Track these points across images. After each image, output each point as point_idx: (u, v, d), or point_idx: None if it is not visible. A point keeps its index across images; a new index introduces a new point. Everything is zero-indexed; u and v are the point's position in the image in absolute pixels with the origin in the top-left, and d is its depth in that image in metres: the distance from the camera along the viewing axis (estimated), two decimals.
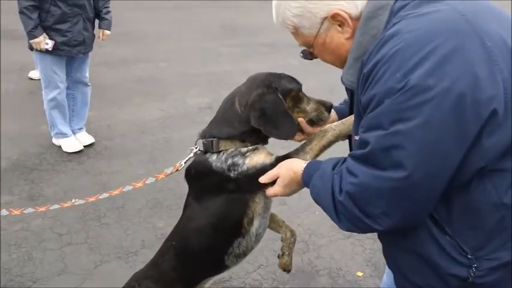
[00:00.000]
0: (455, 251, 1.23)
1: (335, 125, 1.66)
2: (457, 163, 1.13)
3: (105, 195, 1.96)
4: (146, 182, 1.95)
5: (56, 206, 2.00)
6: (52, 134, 4.74)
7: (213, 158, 1.69)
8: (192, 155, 1.78)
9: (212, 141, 1.70)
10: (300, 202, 3.79)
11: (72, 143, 4.67)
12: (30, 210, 1.94)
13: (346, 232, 3.51)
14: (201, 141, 1.75)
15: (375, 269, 3.17)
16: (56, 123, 4.63)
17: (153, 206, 3.83)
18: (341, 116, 1.82)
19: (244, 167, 1.64)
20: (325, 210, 1.35)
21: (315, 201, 1.40)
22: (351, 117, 1.56)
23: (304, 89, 1.77)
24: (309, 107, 1.75)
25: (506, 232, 1.22)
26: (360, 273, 3.17)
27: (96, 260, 3.19)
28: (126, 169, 4.41)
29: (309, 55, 1.53)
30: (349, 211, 1.24)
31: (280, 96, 1.67)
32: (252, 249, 1.82)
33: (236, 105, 1.70)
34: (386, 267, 1.90)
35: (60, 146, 4.70)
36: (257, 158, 1.66)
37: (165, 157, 4.52)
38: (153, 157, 4.60)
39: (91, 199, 2.04)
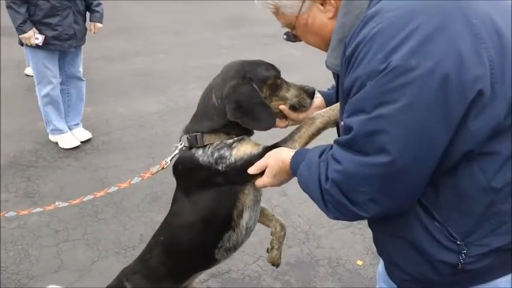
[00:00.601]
0: (444, 237, 1.21)
1: (324, 112, 1.62)
2: (443, 147, 1.09)
3: (114, 188, 1.93)
4: (132, 182, 1.90)
5: (65, 204, 1.97)
6: (48, 131, 4.71)
7: (199, 152, 1.66)
8: (177, 151, 1.74)
9: (196, 135, 1.66)
10: (300, 193, 3.66)
11: (68, 139, 4.63)
12: (38, 209, 1.93)
13: (346, 222, 3.51)
14: (185, 137, 1.71)
15: (374, 257, 3.12)
16: (51, 120, 4.59)
17: (151, 200, 3.79)
18: (329, 102, 1.76)
19: (232, 159, 1.61)
20: (313, 199, 1.32)
21: (303, 190, 1.37)
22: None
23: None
24: (289, 94, 1.70)
25: (495, 217, 1.18)
26: (360, 262, 3.13)
27: (94, 256, 3.16)
28: (124, 164, 4.37)
29: (291, 37, 1.48)
30: (335, 199, 1.21)
31: (256, 86, 1.62)
32: (243, 242, 1.80)
33: (213, 98, 1.67)
34: None
35: (56, 143, 4.67)
36: (244, 148, 1.63)
37: (164, 151, 4.42)
38: (152, 151, 4.56)
39: (99, 194, 2.00)
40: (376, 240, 1.43)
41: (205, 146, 1.65)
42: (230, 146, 1.63)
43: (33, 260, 3.12)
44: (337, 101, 1.67)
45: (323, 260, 3.16)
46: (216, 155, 1.63)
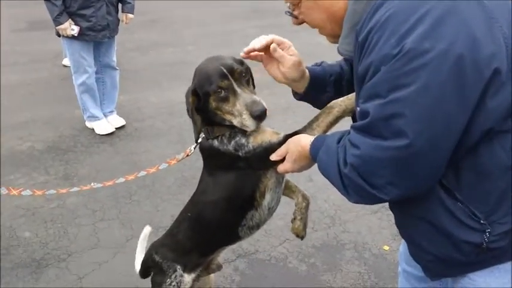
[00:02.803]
0: (467, 217, 1.21)
1: (340, 100, 1.61)
2: (461, 127, 1.10)
3: (143, 173, 2.04)
4: (159, 168, 2.01)
5: (99, 185, 2.11)
6: (85, 118, 4.92)
7: (215, 143, 1.70)
8: (200, 140, 1.79)
9: (207, 128, 1.72)
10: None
11: (104, 126, 4.83)
12: (75, 189, 2.09)
13: (373, 207, 3.53)
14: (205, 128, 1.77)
15: (401, 243, 3.15)
16: (88, 107, 4.79)
17: (181, 183, 3.92)
18: (313, 77, 1.68)
19: (250, 146, 1.65)
20: (333, 183, 1.33)
21: (323, 175, 1.39)
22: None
23: None
24: (235, 109, 1.60)
25: None
26: (386, 247, 3.15)
27: (128, 235, 3.31)
28: (155, 149, 4.53)
29: (292, 16, 1.45)
30: (355, 183, 1.22)
31: (190, 97, 1.65)
32: (266, 221, 1.85)
33: None
34: None
35: (93, 129, 4.87)
36: (261, 136, 1.66)
37: (192, 137, 4.53)
38: (181, 138, 4.70)
39: (130, 177, 2.12)
40: (399, 223, 1.44)
41: (218, 136, 1.69)
42: (245, 134, 1.65)
43: (71, 238, 3.29)
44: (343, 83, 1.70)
45: (349, 244, 3.20)
46: (232, 143, 1.66)
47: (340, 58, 1.73)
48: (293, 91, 1.75)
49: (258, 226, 1.84)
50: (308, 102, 1.77)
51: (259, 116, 1.56)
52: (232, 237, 1.88)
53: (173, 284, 1.93)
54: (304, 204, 1.89)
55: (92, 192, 3.77)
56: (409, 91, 1.06)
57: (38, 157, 4.41)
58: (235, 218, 1.80)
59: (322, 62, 1.76)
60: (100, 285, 2.86)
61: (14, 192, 1.97)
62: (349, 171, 1.22)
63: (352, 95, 1.58)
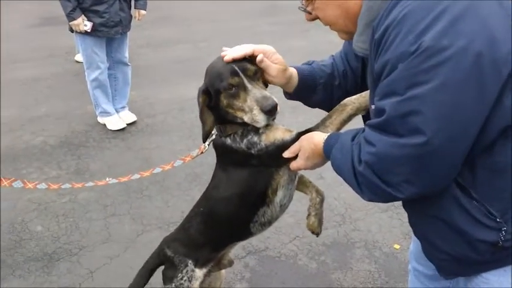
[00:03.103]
0: (482, 215, 1.21)
1: (354, 98, 1.61)
2: (478, 126, 1.09)
3: (159, 169, 2.04)
4: (174, 165, 2.01)
5: (114, 181, 2.12)
6: (97, 113, 4.95)
7: (228, 141, 1.70)
8: (213, 137, 1.80)
9: (220, 126, 1.72)
10: (337, 176, 3.67)
11: (115, 121, 4.86)
12: (90, 183, 2.09)
13: (384, 205, 3.51)
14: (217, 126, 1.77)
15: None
16: (100, 103, 4.82)
17: (191, 179, 3.93)
18: (301, 79, 1.69)
19: (263, 144, 1.64)
20: (346, 181, 1.33)
21: (337, 173, 1.38)
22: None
23: None
24: (246, 105, 1.59)
25: None
26: (397, 246, 3.13)
27: (139, 230, 3.33)
28: (167, 145, 4.55)
29: (305, 11, 1.45)
30: (369, 181, 1.21)
31: (201, 97, 1.65)
32: (277, 218, 1.85)
33: None
34: (412, 235, 1.88)
35: (104, 124, 4.90)
36: (273, 134, 1.65)
37: None
38: (193, 133, 4.71)
39: (145, 173, 2.13)
40: (413, 222, 1.43)
41: (229, 134, 1.69)
42: (257, 132, 1.65)
43: (83, 232, 3.32)
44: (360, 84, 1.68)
45: (359, 242, 3.19)
46: (245, 141, 1.66)
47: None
48: (284, 90, 1.75)
49: (269, 223, 1.84)
50: (299, 101, 1.78)
51: (270, 111, 1.55)
52: (244, 233, 1.89)
53: (184, 278, 1.93)
54: (318, 199, 1.88)
55: (103, 188, 3.80)
56: (427, 88, 1.06)
57: (50, 152, 4.45)
58: (248, 214, 1.80)
59: (313, 62, 1.76)
60: (111, 280, 2.88)
61: (30, 185, 1.97)
62: (364, 169, 1.22)
63: (366, 93, 1.57)
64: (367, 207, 3.52)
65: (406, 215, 1.47)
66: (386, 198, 1.23)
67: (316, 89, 1.71)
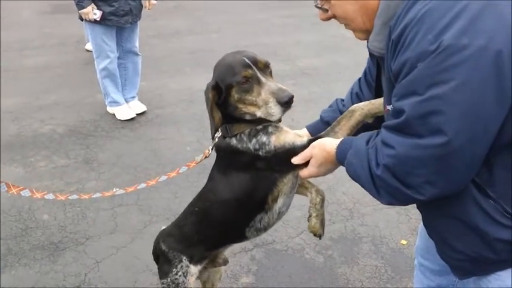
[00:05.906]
0: (500, 214, 1.20)
1: (363, 105, 1.59)
2: (498, 125, 1.08)
3: (164, 177, 2.02)
4: (179, 171, 1.99)
5: (143, 185, 2.07)
6: (106, 103, 4.94)
7: (233, 141, 1.65)
8: (216, 140, 1.74)
9: (226, 126, 1.68)
10: (345, 171, 3.74)
11: (125, 111, 4.85)
12: (121, 191, 2.03)
13: None
14: (223, 126, 1.72)
15: None
16: (109, 92, 4.81)
17: (200, 171, 3.87)
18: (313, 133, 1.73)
19: (272, 146, 1.60)
20: (363, 186, 1.30)
21: (352, 179, 1.35)
22: (380, 99, 1.52)
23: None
24: (259, 99, 1.56)
25: None
26: (404, 242, 3.11)
27: (146, 221, 3.33)
28: (176, 136, 4.54)
29: (321, 9, 1.41)
30: (388, 184, 1.20)
31: (210, 93, 1.62)
32: (273, 224, 1.81)
33: None
34: (419, 230, 1.85)
35: (114, 114, 4.90)
36: (284, 137, 1.61)
37: None
38: (202, 125, 4.69)
39: (151, 182, 2.08)
40: (428, 222, 1.41)
41: (236, 134, 1.65)
42: (267, 132, 1.62)
43: (90, 222, 3.32)
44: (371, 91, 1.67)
45: (366, 237, 3.17)
46: (253, 141, 1.61)
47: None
48: None
49: (265, 229, 1.80)
50: None
51: (287, 102, 1.52)
52: (239, 237, 1.86)
53: (179, 273, 1.92)
54: (318, 199, 1.81)
55: (111, 177, 3.81)
56: (448, 88, 1.05)
57: (58, 140, 4.46)
58: (244, 219, 1.77)
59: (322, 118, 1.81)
60: (117, 270, 2.88)
61: (38, 195, 1.90)
62: (382, 172, 1.20)
63: (375, 100, 1.57)
64: (375, 202, 3.44)
65: (414, 211, 1.45)
66: (405, 201, 1.22)
67: None
